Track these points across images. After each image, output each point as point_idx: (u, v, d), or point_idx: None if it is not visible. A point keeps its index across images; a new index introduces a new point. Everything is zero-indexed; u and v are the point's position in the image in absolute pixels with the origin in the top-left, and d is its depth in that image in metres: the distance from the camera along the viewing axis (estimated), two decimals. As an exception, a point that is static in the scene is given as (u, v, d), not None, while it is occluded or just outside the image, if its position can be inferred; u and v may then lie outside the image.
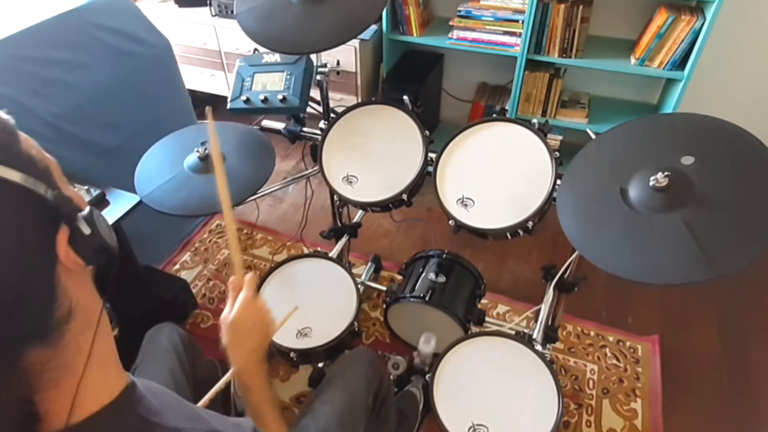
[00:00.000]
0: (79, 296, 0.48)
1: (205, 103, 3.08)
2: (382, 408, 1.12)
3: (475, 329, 1.40)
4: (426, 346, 1.38)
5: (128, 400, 0.53)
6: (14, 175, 0.42)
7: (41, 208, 0.44)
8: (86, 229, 0.47)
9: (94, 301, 0.52)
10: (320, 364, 1.54)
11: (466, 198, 1.19)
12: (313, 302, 1.38)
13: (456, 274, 1.49)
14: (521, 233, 1.15)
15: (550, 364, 1.13)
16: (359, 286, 1.46)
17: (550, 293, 1.37)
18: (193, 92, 2.21)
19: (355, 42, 2.17)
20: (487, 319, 1.49)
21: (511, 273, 2.00)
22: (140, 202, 1.25)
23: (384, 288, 1.76)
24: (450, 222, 1.18)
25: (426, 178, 1.28)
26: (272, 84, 1.33)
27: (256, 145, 1.34)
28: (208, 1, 2.36)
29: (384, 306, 1.49)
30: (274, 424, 0.80)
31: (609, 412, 1.54)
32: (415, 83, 2.23)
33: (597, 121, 2.16)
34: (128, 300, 1.51)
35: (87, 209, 0.49)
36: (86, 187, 1.28)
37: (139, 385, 0.55)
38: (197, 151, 1.25)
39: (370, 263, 1.94)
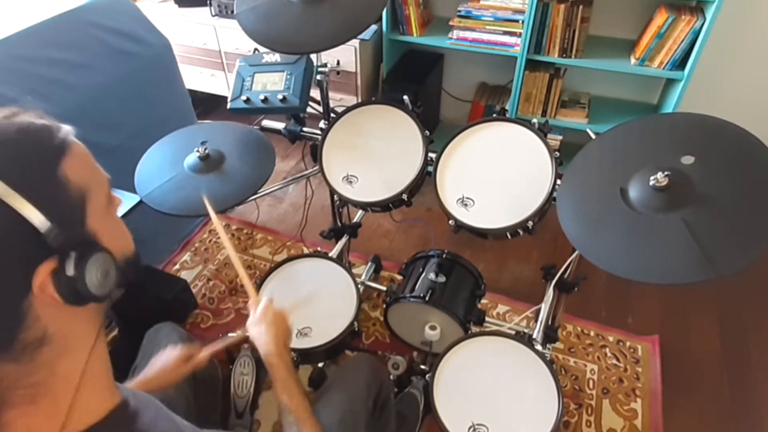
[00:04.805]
0: (60, 326, 0.48)
1: (205, 103, 3.06)
2: (382, 411, 1.13)
3: (475, 329, 1.40)
4: (431, 333, 1.38)
5: (118, 420, 0.53)
6: (19, 203, 0.42)
7: (32, 236, 0.43)
8: (70, 270, 0.45)
9: (83, 333, 0.51)
10: (320, 364, 1.54)
11: (466, 198, 1.19)
12: (313, 302, 1.38)
13: (456, 274, 1.49)
14: (521, 233, 1.15)
15: (550, 364, 1.13)
16: (359, 286, 1.45)
17: (550, 293, 1.37)
18: (193, 92, 2.21)
19: (355, 42, 2.17)
20: (487, 319, 1.49)
21: (511, 273, 2.00)
22: (140, 201, 1.24)
23: (384, 288, 1.76)
24: (450, 222, 1.18)
25: (426, 178, 1.28)
26: (272, 84, 1.33)
27: (256, 145, 1.34)
28: (208, 1, 2.35)
29: (384, 306, 1.49)
30: (300, 395, 0.90)
31: (609, 412, 1.54)
32: (415, 83, 2.23)
33: (597, 121, 2.16)
34: (128, 300, 1.51)
35: (79, 252, 0.46)
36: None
37: (132, 402, 0.55)
38: (197, 151, 1.25)
39: (370, 263, 1.94)
